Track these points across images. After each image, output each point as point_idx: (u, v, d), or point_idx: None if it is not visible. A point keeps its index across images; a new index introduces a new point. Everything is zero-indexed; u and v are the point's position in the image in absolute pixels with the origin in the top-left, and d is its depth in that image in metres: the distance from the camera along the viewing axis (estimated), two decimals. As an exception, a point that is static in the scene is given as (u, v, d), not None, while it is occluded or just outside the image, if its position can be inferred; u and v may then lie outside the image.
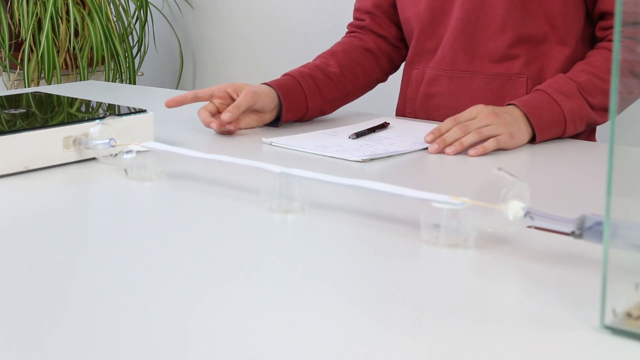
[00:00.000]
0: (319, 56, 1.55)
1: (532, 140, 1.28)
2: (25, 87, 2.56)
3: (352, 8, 1.81)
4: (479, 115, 1.24)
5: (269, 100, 1.39)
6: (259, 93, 1.37)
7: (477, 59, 1.43)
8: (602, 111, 1.32)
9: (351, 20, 1.65)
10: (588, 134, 1.43)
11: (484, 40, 1.42)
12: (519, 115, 1.27)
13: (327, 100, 1.48)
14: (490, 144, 1.21)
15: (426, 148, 1.26)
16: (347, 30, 1.64)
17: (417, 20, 1.49)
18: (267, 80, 1.46)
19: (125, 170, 1.08)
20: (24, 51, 2.55)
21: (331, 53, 1.54)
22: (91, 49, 2.65)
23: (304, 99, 1.44)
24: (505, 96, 1.41)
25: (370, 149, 1.25)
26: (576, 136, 1.37)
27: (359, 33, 1.60)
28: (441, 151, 1.22)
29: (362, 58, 1.55)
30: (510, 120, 1.25)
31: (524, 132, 1.26)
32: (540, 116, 1.27)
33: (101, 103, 1.32)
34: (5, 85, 2.69)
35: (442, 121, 1.44)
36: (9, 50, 2.61)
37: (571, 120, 1.29)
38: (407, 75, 1.56)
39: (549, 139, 1.30)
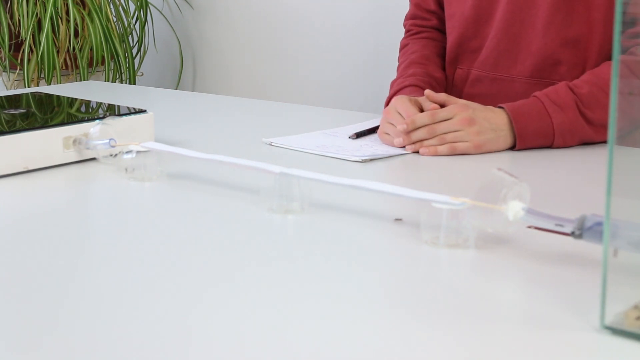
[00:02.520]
0: (413, 62, 1.50)
1: (514, 147, 1.27)
2: (25, 87, 2.56)
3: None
4: (455, 117, 1.24)
5: None
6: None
7: (520, 61, 1.40)
8: (601, 127, 1.28)
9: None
10: None
11: (528, 43, 1.38)
12: (502, 123, 1.25)
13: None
14: (443, 150, 1.22)
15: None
16: (409, 29, 1.60)
17: (461, 19, 1.46)
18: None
19: (126, 170, 1.08)
20: (23, 51, 2.55)
21: (425, 57, 1.51)
22: (91, 49, 2.65)
23: None
24: None
25: (370, 149, 1.25)
26: None
27: (429, 32, 1.57)
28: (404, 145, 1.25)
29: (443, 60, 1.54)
30: (485, 129, 1.24)
31: (501, 141, 1.25)
32: (526, 125, 1.25)
33: (101, 103, 1.32)
34: (5, 85, 2.68)
35: None
36: (9, 50, 2.61)
37: (560, 134, 1.26)
38: (448, 74, 1.51)
39: (533, 147, 1.28)
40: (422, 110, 1.28)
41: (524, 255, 0.80)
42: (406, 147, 1.25)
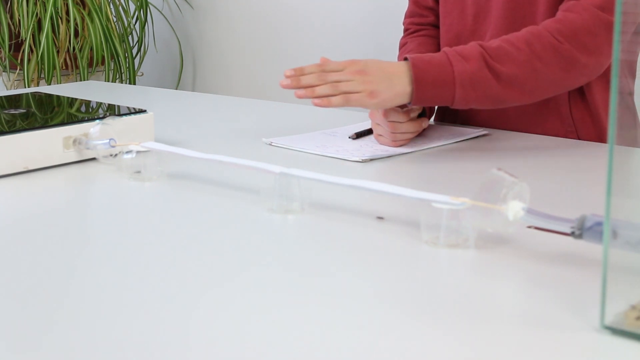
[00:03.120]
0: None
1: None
2: (25, 87, 2.56)
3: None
4: (346, 68, 1.19)
5: None
6: None
7: None
8: (509, 83, 1.21)
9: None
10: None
11: None
12: (400, 71, 1.20)
13: None
14: (337, 100, 1.18)
15: (427, 149, 1.26)
16: (407, 27, 1.59)
17: (458, 16, 1.45)
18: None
19: (126, 170, 1.08)
20: (24, 51, 2.55)
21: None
22: (91, 49, 2.65)
23: None
24: (548, 103, 1.35)
25: (370, 149, 1.25)
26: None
27: (426, 30, 1.56)
28: (292, 88, 1.19)
29: None
30: (378, 78, 1.19)
31: (398, 89, 1.20)
32: (426, 72, 1.20)
33: (101, 103, 1.32)
34: (5, 85, 2.69)
35: (483, 126, 1.42)
36: (9, 50, 2.61)
37: (461, 84, 1.20)
38: None
39: (434, 103, 1.24)
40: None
41: (524, 255, 0.80)
42: (297, 92, 1.19)
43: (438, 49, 1.53)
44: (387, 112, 1.24)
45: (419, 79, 1.20)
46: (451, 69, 1.21)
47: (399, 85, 1.20)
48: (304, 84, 1.19)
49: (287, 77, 1.20)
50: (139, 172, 1.07)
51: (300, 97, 1.20)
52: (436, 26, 1.56)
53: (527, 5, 1.37)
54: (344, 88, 1.18)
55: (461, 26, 1.45)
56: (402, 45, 1.58)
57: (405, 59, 1.23)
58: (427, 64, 1.21)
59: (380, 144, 1.29)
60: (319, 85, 1.19)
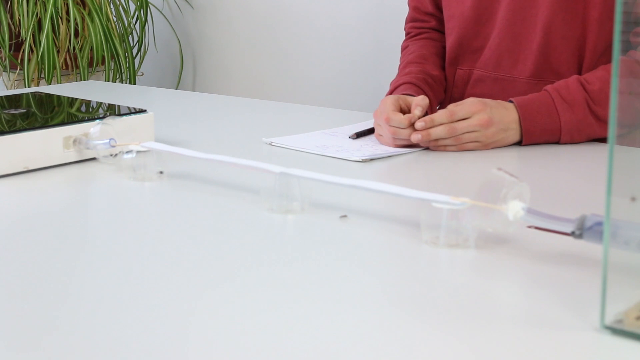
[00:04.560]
0: (410, 62, 1.51)
1: (520, 142, 1.29)
2: (25, 87, 2.56)
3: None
4: (474, 116, 1.24)
5: None
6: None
7: (521, 61, 1.40)
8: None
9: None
10: None
11: (529, 43, 1.38)
12: (512, 121, 1.27)
13: (434, 103, 1.46)
14: (453, 149, 1.25)
15: (426, 148, 1.26)
16: (409, 31, 1.60)
17: (461, 19, 1.46)
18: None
19: (125, 170, 1.08)
20: (24, 51, 2.54)
21: (423, 57, 1.51)
22: (91, 49, 2.65)
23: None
24: None
25: (370, 149, 1.25)
26: None
27: (428, 33, 1.57)
28: (423, 142, 1.25)
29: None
30: (497, 131, 1.25)
31: (510, 139, 1.28)
32: (534, 123, 1.27)
33: (101, 103, 1.32)
34: (5, 85, 2.68)
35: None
36: (9, 50, 2.61)
37: (567, 133, 1.28)
38: (449, 75, 1.52)
39: (540, 143, 1.30)
40: (401, 109, 1.29)
41: (524, 255, 0.80)
42: (413, 137, 1.23)
43: (440, 51, 1.53)
44: (389, 117, 1.25)
45: (528, 131, 1.28)
46: (558, 118, 1.28)
47: (511, 136, 1.28)
48: (434, 137, 1.24)
49: (418, 129, 1.24)
50: (138, 172, 1.07)
51: (423, 146, 1.26)
52: (437, 30, 1.56)
53: (528, 9, 1.37)
54: (465, 139, 1.25)
55: (463, 29, 1.46)
56: (404, 48, 1.59)
57: (511, 101, 1.29)
58: (535, 114, 1.28)
59: (381, 143, 1.29)
60: (447, 138, 1.25)
